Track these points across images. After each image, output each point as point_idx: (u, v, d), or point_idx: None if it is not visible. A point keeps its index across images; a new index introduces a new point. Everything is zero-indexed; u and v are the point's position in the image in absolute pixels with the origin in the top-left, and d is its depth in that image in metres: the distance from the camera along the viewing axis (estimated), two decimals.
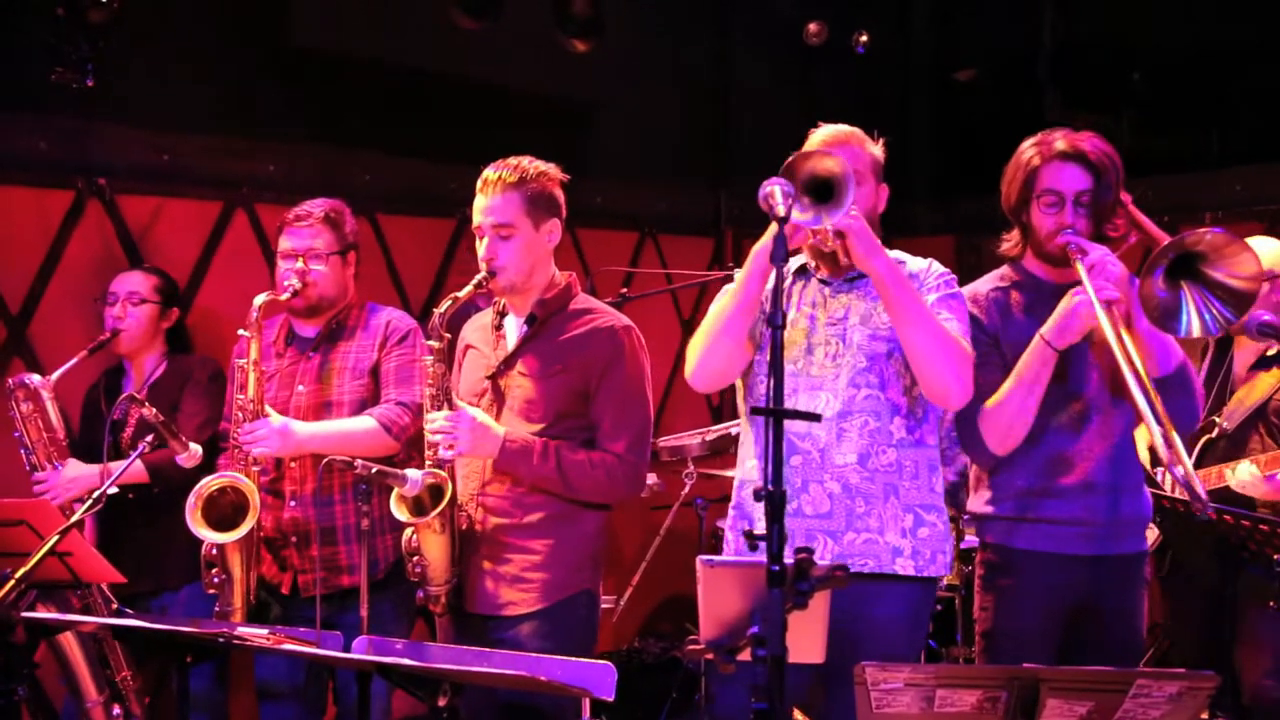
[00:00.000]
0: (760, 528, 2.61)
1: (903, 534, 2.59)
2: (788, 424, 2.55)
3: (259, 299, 3.07)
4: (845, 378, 2.60)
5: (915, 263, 2.67)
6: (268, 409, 3.04)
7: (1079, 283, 2.68)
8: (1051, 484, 2.73)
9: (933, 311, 2.56)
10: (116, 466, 3.07)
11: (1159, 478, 3.52)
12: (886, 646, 2.48)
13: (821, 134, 2.67)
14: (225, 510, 2.97)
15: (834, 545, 2.55)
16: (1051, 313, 2.70)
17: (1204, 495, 2.46)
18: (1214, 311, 2.59)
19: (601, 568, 2.91)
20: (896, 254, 2.64)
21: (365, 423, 3.08)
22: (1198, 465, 3.36)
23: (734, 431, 3.62)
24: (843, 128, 2.68)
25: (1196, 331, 2.63)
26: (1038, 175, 2.72)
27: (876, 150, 2.68)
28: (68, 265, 3.83)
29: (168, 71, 3.93)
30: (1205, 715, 3.33)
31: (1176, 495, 3.24)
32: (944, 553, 2.64)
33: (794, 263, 2.72)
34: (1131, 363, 2.52)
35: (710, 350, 2.58)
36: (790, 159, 2.37)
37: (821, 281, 2.67)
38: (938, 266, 2.69)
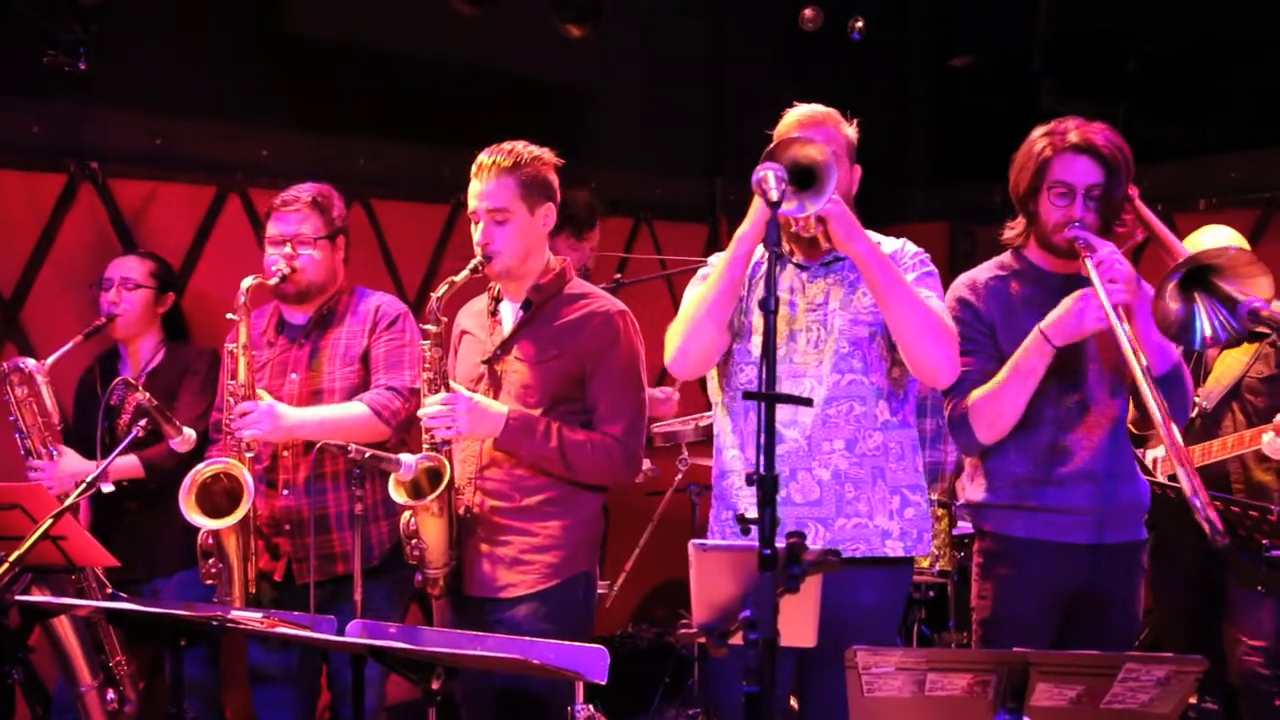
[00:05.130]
0: (748, 514, 2.66)
1: (890, 516, 2.60)
2: (775, 413, 2.58)
3: (246, 281, 3.05)
4: (829, 364, 2.59)
5: (889, 243, 2.65)
6: (259, 391, 3.03)
7: (1082, 275, 2.68)
8: (1050, 472, 2.72)
9: (916, 290, 2.55)
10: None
11: (1146, 459, 3.54)
12: (874, 632, 2.49)
13: (797, 114, 2.65)
14: (218, 499, 2.96)
15: (825, 532, 2.55)
16: (1052, 304, 2.69)
17: (1221, 527, 2.41)
18: (1221, 319, 2.60)
19: (598, 550, 2.92)
20: (871, 235, 2.61)
21: (356, 408, 3.07)
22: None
23: None
24: (819, 108, 2.66)
25: (1209, 341, 2.63)
26: (1049, 166, 2.69)
27: (851, 131, 2.66)
28: (60, 250, 3.83)
29: (161, 55, 3.92)
30: (1194, 699, 3.37)
31: (1165, 481, 3.26)
32: (928, 531, 2.66)
33: None
34: (1146, 371, 2.50)
35: (692, 336, 2.57)
36: (772, 145, 2.35)
37: (798, 266, 2.65)
38: (911, 246, 2.68)
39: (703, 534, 4.06)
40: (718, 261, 2.59)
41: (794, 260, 2.66)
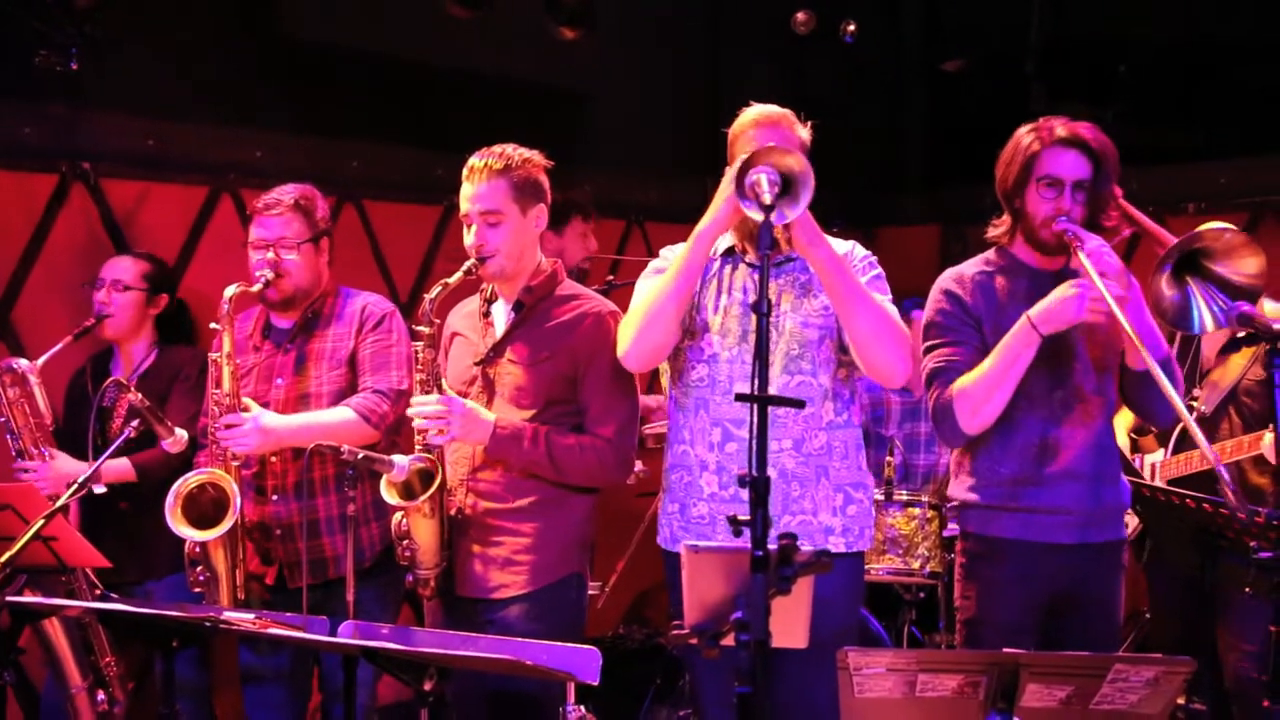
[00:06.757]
0: (696, 511, 2.68)
1: (834, 513, 2.66)
2: (727, 411, 2.60)
3: (229, 290, 3.02)
4: (779, 365, 2.63)
5: (839, 245, 2.66)
6: (246, 401, 3.01)
7: (1069, 269, 2.69)
8: (1035, 472, 2.74)
9: (871, 294, 2.58)
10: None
11: (1137, 464, 3.55)
12: (830, 622, 2.47)
13: (753, 114, 2.68)
14: (205, 507, 2.94)
15: (771, 529, 2.56)
16: (1037, 299, 2.70)
17: (1243, 496, 2.41)
18: (1220, 303, 2.60)
19: (590, 551, 2.93)
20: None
21: (343, 414, 3.04)
22: (1177, 449, 3.41)
23: None
24: (774, 109, 2.68)
25: (1210, 327, 2.63)
26: (1037, 160, 2.71)
27: (805, 133, 2.68)
28: (52, 250, 3.82)
29: (154, 56, 3.92)
30: (1182, 700, 3.38)
31: (1156, 484, 3.27)
32: (870, 527, 2.72)
33: (721, 243, 2.71)
34: (1153, 360, 2.49)
35: (647, 330, 2.61)
36: (751, 154, 2.36)
37: (751, 266, 2.68)
38: (860, 249, 2.72)
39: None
40: (675, 256, 2.61)
41: (746, 260, 2.69)
